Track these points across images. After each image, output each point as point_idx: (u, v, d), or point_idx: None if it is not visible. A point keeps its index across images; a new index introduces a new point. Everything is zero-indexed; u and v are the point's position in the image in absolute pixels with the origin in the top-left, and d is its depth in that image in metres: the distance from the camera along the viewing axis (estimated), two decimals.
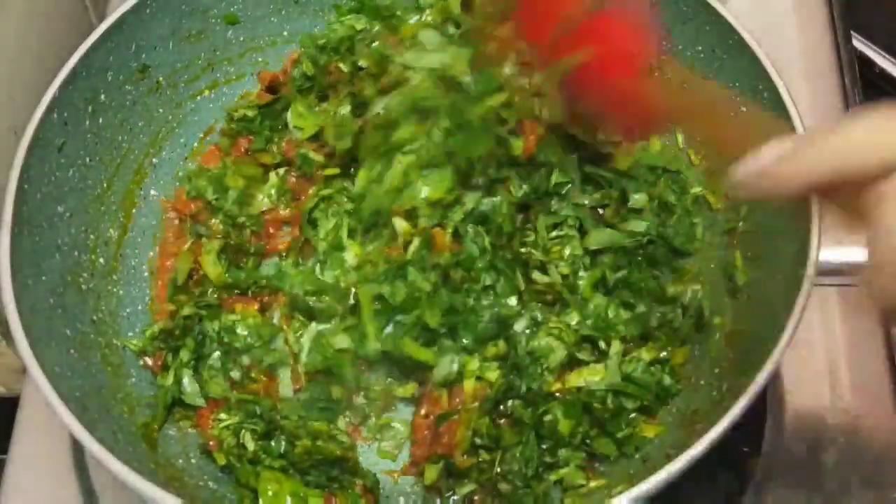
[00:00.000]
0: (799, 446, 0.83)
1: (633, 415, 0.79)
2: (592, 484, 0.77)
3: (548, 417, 0.79)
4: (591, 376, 0.81)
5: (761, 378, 0.64)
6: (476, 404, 0.80)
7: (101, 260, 0.84)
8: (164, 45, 0.89)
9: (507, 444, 0.78)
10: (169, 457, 0.78)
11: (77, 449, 0.86)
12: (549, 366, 0.81)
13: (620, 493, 0.61)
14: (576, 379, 0.81)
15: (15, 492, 0.85)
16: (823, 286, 0.89)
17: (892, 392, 0.85)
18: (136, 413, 0.78)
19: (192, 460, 0.79)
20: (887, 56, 1.13)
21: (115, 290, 0.85)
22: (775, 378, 0.86)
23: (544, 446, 0.79)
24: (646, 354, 0.81)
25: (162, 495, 0.62)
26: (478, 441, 0.79)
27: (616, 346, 0.82)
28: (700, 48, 0.85)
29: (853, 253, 0.74)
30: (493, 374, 0.81)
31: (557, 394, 0.81)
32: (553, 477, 0.78)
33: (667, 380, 0.80)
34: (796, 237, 0.71)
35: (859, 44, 1.12)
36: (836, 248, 0.73)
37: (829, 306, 0.92)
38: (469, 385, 0.80)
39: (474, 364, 0.81)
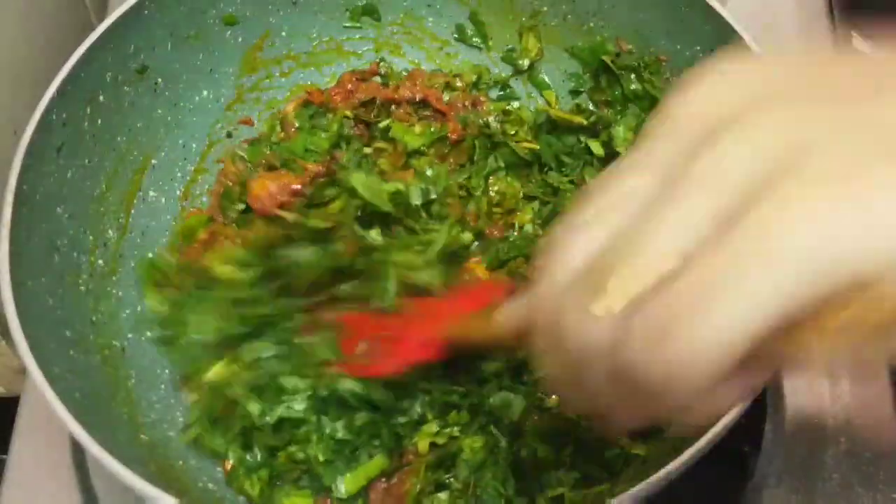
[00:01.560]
0: (799, 446, 0.83)
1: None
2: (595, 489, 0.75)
3: (523, 453, 0.76)
4: None
5: None
6: (430, 456, 0.77)
7: (101, 261, 0.84)
8: (163, 46, 0.89)
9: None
10: (169, 457, 0.78)
11: (77, 449, 0.86)
12: (511, 419, 0.78)
13: (621, 492, 0.61)
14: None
15: (15, 492, 0.85)
16: None
17: (892, 392, 0.85)
18: (136, 413, 0.78)
19: (192, 461, 0.79)
20: None
21: (114, 291, 0.84)
22: (775, 378, 0.85)
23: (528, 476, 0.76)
24: None
25: (162, 495, 0.62)
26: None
27: None
28: (699, 48, 0.85)
29: None
30: (453, 432, 0.78)
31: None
32: (551, 493, 0.74)
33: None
34: None
35: (859, 44, 1.12)
36: None
37: None
38: (423, 445, 0.78)
39: (432, 428, 0.78)
